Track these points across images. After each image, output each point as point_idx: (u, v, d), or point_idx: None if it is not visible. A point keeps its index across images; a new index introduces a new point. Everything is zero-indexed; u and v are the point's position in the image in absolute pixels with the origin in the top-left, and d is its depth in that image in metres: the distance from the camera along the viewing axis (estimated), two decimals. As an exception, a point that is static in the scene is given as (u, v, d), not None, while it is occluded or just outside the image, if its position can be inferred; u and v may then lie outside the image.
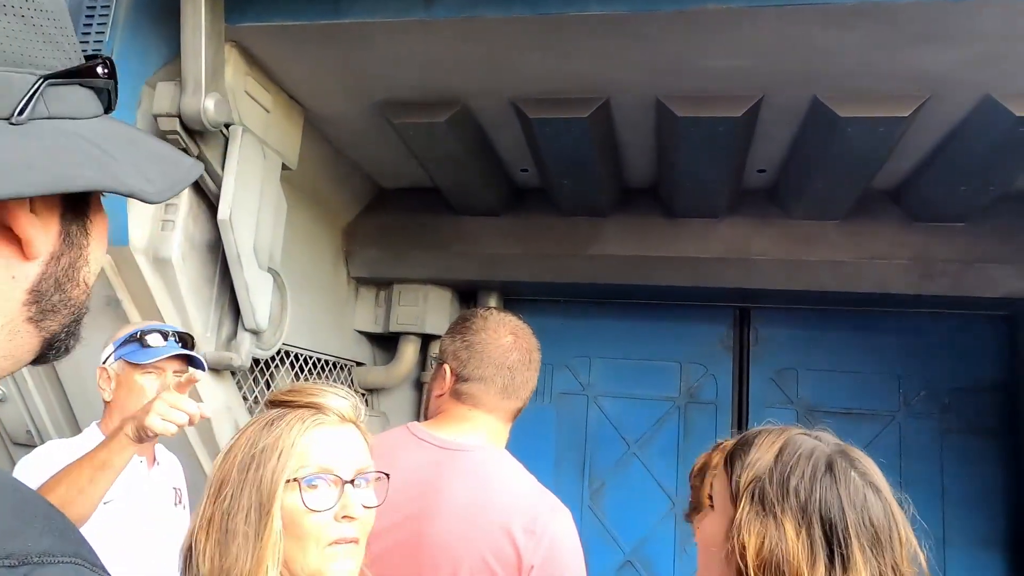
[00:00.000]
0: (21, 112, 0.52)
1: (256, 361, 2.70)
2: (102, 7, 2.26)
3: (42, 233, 0.56)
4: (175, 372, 1.92)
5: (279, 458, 1.06)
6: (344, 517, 1.07)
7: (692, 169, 2.80)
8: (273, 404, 1.16)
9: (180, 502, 2.07)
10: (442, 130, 2.62)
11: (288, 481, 1.06)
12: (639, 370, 3.69)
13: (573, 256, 3.32)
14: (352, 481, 1.09)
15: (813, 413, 3.49)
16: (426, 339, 3.66)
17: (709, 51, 2.14)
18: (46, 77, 0.54)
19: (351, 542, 1.08)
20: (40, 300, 0.57)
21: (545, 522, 1.44)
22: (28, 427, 2.57)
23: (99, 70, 0.59)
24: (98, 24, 2.26)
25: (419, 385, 3.76)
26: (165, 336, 1.93)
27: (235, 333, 2.50)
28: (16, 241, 0.55)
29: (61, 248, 0.58)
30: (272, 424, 1.10)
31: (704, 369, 3.65)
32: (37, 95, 0.54)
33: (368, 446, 1.17)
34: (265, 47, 2.34)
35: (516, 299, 3.71)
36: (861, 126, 2.36)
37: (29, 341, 0.59)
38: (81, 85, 0.58)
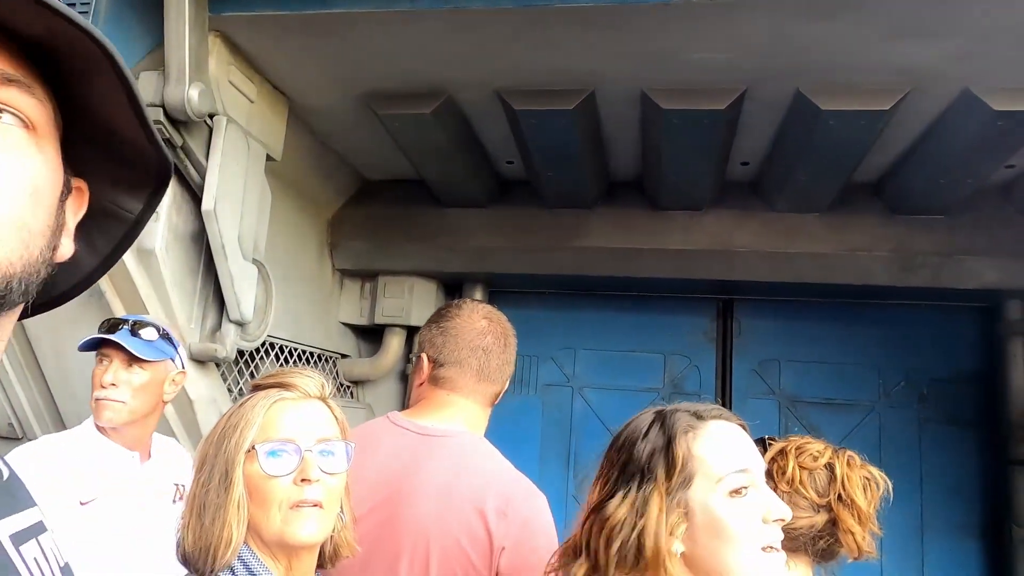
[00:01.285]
0: None
1: (241, 353, 2.69)
2: (83, -5, 2.23)
3: None
4: (122, 360, 1.84)
5: (241, 431, 1.15)
6: (303, 480, 1.13)
7: (676, 162, 2.82)
8: (253, 388, 1.25)
9: (182, 498, 1.96)
10: (428, 121, 2.62)
11: (249, 451, 1.14)
12: (624, 361, 3.71)
13: (558, 248, 3.34)
14: (312, 449, 1.16)
15: (795, 404, 3.54)
16: (411, 331, 3.66)
17: (694, 44, 2.15)
18: None
19: (314, 505, 1.13)
20: None
21: (518, 505, 1.46)
22: (10, 420, 2.55)
23: None
24: (79, 12, 2.24)
25: (404, 377, 3.76)
26: (118, 326, 1.88)
27: (220, 324, 2.49)
28: None
29: None
30: (243, 404, 1.20)
31: (688, 360, 3.68)
32: None
33: (337, 420, 1.24)
34: (249, 37, 2.32)
35: (501, 291, 3.73)
36: (843, 119, 2.39)
37: None
38: None
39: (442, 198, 3.37)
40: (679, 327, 3.70)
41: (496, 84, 2.49)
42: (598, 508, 1.11)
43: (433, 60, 2.36)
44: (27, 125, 0.56)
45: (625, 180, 3.30)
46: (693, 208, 3.22)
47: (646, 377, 3.68)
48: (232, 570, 1.11)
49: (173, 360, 1.95)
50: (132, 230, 0.72)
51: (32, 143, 0.57)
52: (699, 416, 1.15)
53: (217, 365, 2.57)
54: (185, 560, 1.14)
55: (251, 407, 1.17)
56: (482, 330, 1.64)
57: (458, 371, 1.62)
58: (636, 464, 1.11)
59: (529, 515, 1.47)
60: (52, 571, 0.64)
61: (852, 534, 1.38)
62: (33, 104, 0.57)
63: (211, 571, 1.10)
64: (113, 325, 1.88)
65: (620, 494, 1.09)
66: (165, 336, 1.93)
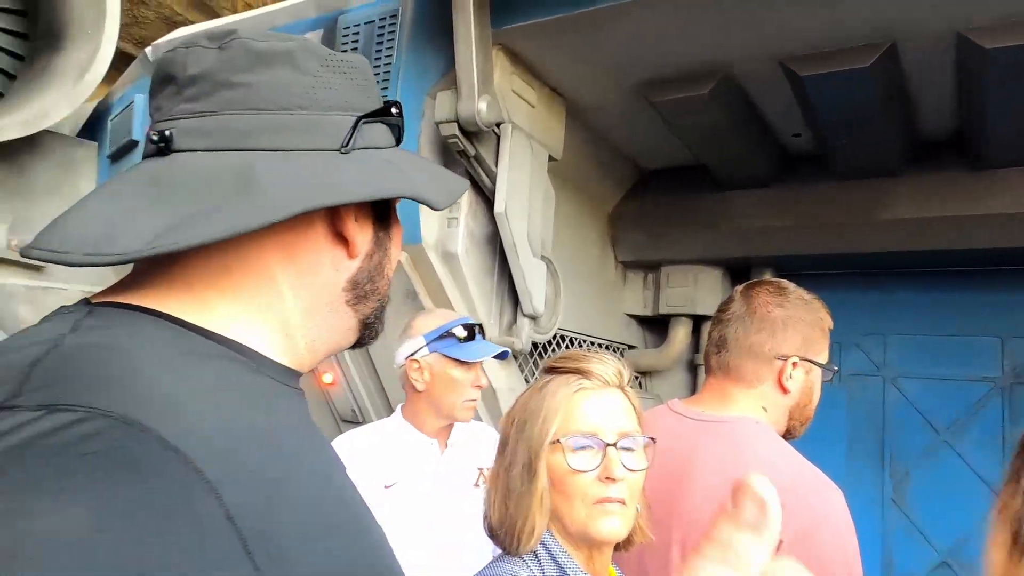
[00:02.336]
0: (347, 144, 0.70)
1: (535, 345, 2.85)
2: (388, 35, 2.55)
3: (362, 236, 0.73)
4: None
5: (543, 421, 1.16)
6: (607, 478, 1.12)
7: (1005, 110, 2.39)
8: (548, 370, 1.26)
9: (487, 481, 2.02)
10: (704, 102, 2.54)
11: (553, 443, 1.14)
12: (947, 347, 3.24)
13: (857, 224, 3.02)
14: (615, 444, 1.14)
15: None
16: (697, 320, 3.58)
17: (1024, -35, 1.81)
18: (361, 117, 0.71)
19: (617, 502, 1.12)
20: (356, 288, 0.74)
21: (801, 496, 1.33)
22: (353, 407, 2.99)
23: (393, 110, 0.75)
24: (386, 51, 2.56)
25: (692, 367, 3.69)
26: (470, 330, 1.96)
27: (515, 319, 2.67)
28: (344, 243, 0.72)
29: (373, 248, 0.75)
30: (541, 389, 1.20)
31: (1034, 344, 3.10)
32: (356, 131, 0.71)
33: (635, 411, 1.22)
34: (526, 45, 2.45)
35: (793, 274, 3.46)
36: None
37: (348, 321, 0.76)
38: (382, 122, 0.75)
39: (722, 181, 3.24)
40: (1020, 305, 3.13)
41: (777, 52, 2.33)
42: None
43: (706, 37, 2.28)
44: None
45: (937, 139, 2.89)
46: (1031, 163, 2.71)
47: (978, 364, 3.18)
48: (536, 555, 1.15)
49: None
50: None
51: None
52: None
53: (515, 357, 2.75)
54: (492, 534, 1.21)
55: (552, 394, 1.18)
56: (733, 303, 1.56)
57: (709, 349, 1.58)
58: None
59: (815, 507, 1.33)
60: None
61: None
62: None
63: (515, 551, 1.15)
64: (457, 329, 1.96)
65: None
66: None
